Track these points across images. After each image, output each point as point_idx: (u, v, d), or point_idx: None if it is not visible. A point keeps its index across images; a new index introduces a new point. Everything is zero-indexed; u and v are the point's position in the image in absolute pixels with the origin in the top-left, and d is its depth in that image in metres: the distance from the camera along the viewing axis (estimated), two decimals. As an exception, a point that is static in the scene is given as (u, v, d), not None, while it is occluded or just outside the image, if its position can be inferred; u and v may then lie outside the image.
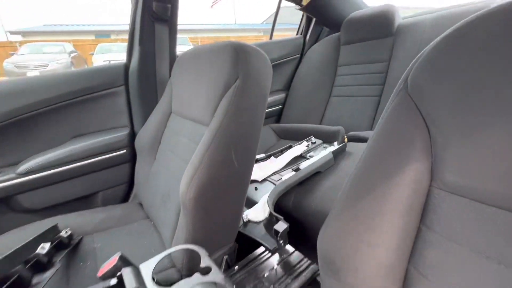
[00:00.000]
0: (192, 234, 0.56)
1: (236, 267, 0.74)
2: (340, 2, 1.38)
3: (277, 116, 1.56)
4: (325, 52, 1.45)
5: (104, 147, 0.96)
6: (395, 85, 1.18)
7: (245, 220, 0.75)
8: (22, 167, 0.83)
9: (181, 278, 0.47)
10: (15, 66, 6.68)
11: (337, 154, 0.95)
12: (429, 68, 0.36)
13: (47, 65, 6.74)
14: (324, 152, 0.96)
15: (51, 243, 0.61)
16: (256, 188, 0.89)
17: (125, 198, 1.05)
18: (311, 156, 1.00)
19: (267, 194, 0.80)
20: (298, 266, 0.74)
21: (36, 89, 0.86)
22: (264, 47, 1.43)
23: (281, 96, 1.54)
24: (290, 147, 1.07)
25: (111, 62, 1.03)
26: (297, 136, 1.29)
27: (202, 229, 0.57)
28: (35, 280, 0.53)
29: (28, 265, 0.53)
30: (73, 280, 0.58)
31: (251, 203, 0.83)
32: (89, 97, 0.95)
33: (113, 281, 0.39)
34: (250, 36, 14.90)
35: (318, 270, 0.72)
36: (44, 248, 0.56)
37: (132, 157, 1.01)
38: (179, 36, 1.01)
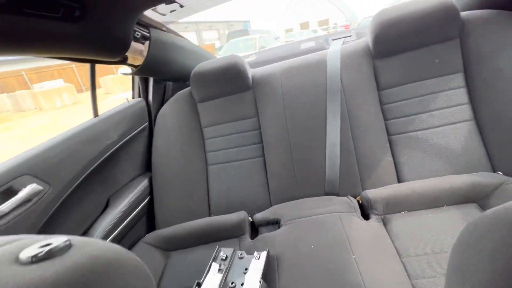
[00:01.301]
0: None
1: None
2: (179, 55, 1.12)
3: (148, 216, 1.12)
4: (180, 114, 1.16)
5: None
6: (274, 143, 1.08)
7: None
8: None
9: None
10: None
11: (266, 273, 0.72)
12: None
13: None
14: (249, 278, 0.70)
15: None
16: None
17: None
18: (234, 287, 0.71)
19: None
20: None
21: None
22: (92, 132, 0.94)
23: (143, 184, 1.11)
24: (199, 286, 0.72)
25: None
26: (192, 241, 0.95)
27: None
28: None
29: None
30: None
31: None
32: None
33: None
34: (7, 71, 10.77)
35: None
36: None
37: None
38: None
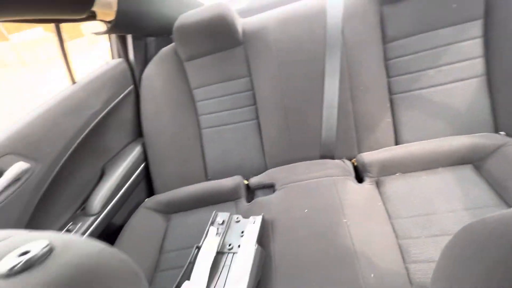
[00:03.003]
0: None
1: None
2: (156, 4, 0.97)
3: (146, 181, 1.13)
4: (167, 75, 1.07)
5: None
6: (267, 105, 1.03)
7: None
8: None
9: None
10: None
11: (260, 235, 0.76)
12: None
13: None
14: (245, 241, 0.74)
15: None
16: None
17: None
18: (230, 248, 0.76)
19: None
20: None
21: None
22: (74, 102, 0.88)
23: (137, 151, 1.09)
24: (198, 248, 0.77)
25: None
26: (191, 205, 0.98)
27: None
28: None
29: None
30: None
31: None
32: None
33: None
34: None
35: None
36: None
37: None
38: None
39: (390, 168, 0.84)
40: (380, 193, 0.81)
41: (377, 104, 0.89)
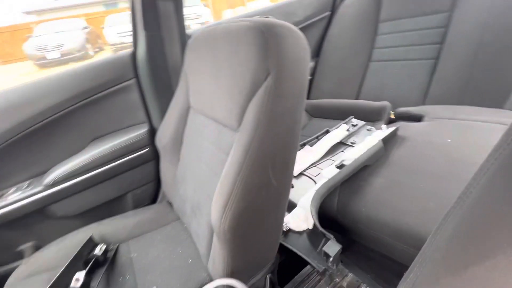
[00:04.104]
0: (231, 265, 0.49)
1: None
2: None
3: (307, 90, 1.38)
4: (362, 6, 1.19)
5: (125, 148, 0.91)
6: (459, 42, 0.93)
7: (285, 229, 0.67)
8: (49, 178, 0.81)
9: None
10: (35, 49, 6.75)
11: (387, 141, 0.79)
12: None
13: (62, 45, 6.72)
14: (370, 139, 0.81)
15: (86, 264, 0.59)
16: (292, 185, 0.79)
17: (154, 197, 1.02)
18: (353, 143, 0.86)
19: (306, 196, 0.70)
20: None
21: (45, 94, 0.79)
22: (287, 8, 1.20)
23: (309, 65, 1.33)
24: (327, 132, 0.92)
25: (119, 52, 0.90)
26: (332, 114, 1.13)
27: (241, 258, 0.50)
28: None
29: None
30: None
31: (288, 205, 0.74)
32: (101, 95, 0.86)
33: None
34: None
35: None
36: (78, 280, 0.53)
37: (155, 155, 0.95)
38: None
39: None
40: None
41: None
